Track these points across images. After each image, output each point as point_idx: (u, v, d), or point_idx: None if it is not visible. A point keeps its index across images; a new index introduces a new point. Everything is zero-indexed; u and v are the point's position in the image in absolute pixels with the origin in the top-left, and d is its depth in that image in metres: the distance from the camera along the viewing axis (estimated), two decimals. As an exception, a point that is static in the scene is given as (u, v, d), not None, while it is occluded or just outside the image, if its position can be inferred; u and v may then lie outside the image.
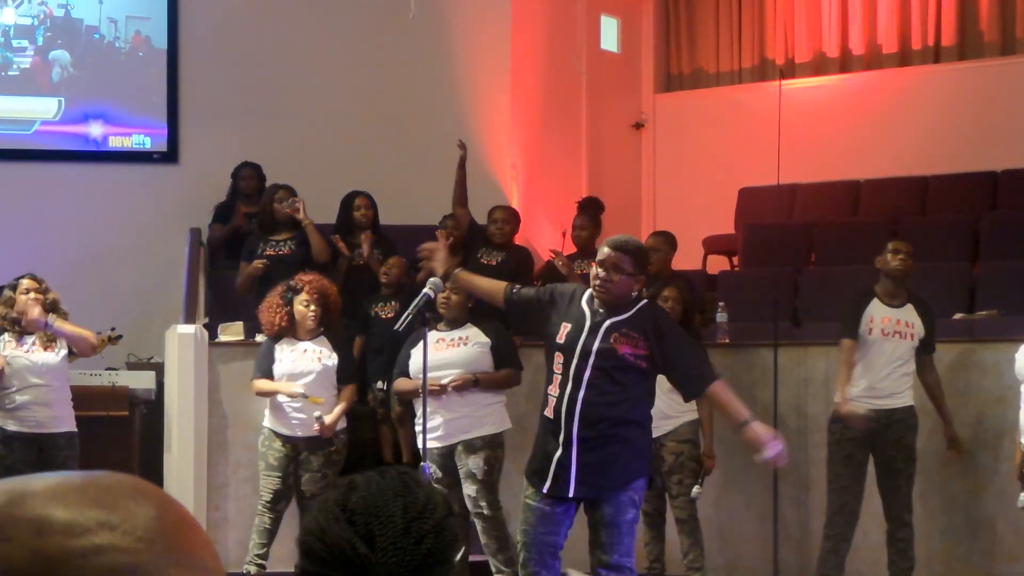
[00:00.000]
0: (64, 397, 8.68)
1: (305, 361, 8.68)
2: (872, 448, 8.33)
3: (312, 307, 8.64)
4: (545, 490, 6.42)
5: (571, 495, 6.40)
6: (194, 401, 9.44)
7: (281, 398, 8.63)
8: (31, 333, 8.62)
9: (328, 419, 8.64)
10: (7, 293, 8.71)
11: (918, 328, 8.37)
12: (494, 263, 9.96)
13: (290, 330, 8.71)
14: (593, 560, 6.51)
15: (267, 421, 8.71)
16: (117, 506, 1.18)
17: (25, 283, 8.66)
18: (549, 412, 6.48)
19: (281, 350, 8.71)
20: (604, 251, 6.43)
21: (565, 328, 6.46)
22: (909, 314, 8.40)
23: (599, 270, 6.38)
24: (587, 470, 6.37)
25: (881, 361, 8.39)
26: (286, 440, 8.63)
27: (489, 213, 10.32)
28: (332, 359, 8.75)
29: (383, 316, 9.80)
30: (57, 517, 1.16)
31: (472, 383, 8.47)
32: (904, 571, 8.33)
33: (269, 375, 8.71)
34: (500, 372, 8.63)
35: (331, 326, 8.87)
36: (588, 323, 6.41)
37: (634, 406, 6.43)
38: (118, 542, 1.16)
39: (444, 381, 8.42)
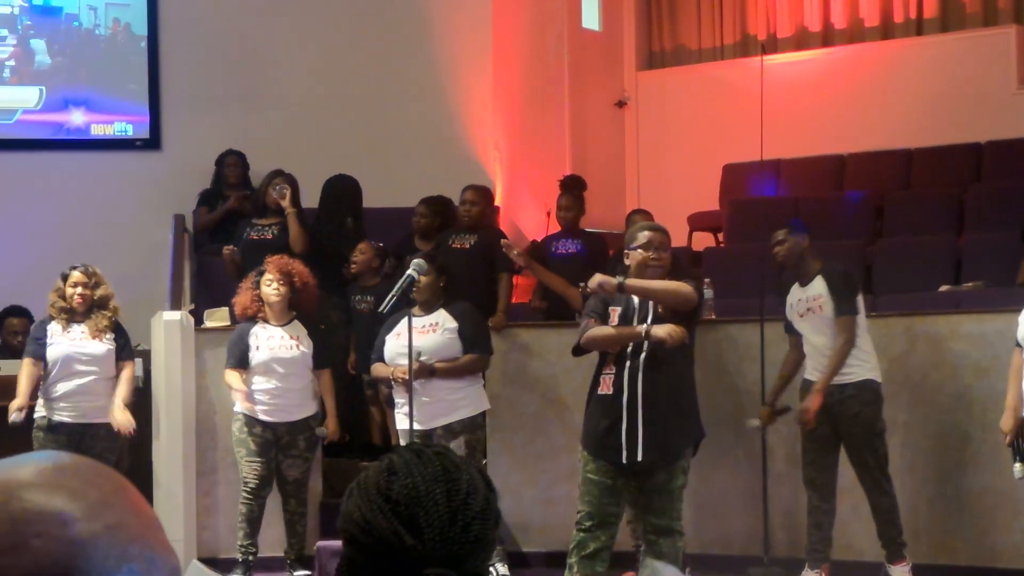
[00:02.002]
0: (111, 388, 8.68)
1: (284, 347, 8.65)
2: (834, 423, 8.33)
3: (275, 286, 8.60)
4: (624, 460, 6.89)
5: (640, 459, 6.87)
6: (181, 387, 9.42)
7: (258, 384, 8.58)
8: (79, 322, 8.61)
9: (332, 427, 8.74)
10: (57, 283, 8.71)
11: (825, 298, 8.35)
12: (466, 247, 9.75)
13: (263, 315, 8.68)
14: (645, 525, 7.08)
15: (242, 407, 8.68)
16: (97, 485, 1.22)
17: (76, 275, 8.66)
18: (606, 389, 6.98)
19: (256, 336, 8.67)
20: (648, 234, 7.06)
21: (615, 312, 7.00)
22: (816, 288, 8.39)
23: (651, 252, 6.97)
24: (653, 437, 6.86)
25: (809, 341, 8.42)
26: (266, 426, 8.61)
27: (460, 194, 10.21)
28: (309, 345, 8.72)
29: (359, 308, 9.81)
30: (66, 505, 1.18)
31: (429, 372, 8.41)
32: (893, 539, 8.33)
33: (244, 362, 8.67)
34: (464, 358, 8.52)
35: (302, 310, 8.84)
36: (637, 302, 6.96)
37: (683, 372, 7.02)
38: (121, 519, 1.20)
39: (398, 373, 8.36)
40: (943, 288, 9.88)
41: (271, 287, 8.61)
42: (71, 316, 8.67)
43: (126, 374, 8.74)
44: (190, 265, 10.81)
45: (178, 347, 9.44)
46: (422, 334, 8.40)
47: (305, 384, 8.70)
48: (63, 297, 8.65)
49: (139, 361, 9.98)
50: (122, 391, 8.65)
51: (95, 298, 8.64)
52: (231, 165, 11.43)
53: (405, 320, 8.45)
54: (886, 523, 8.33)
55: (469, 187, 10.10)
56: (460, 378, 8.49)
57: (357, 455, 9.98)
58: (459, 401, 8.51)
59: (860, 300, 8.37)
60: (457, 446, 8.53)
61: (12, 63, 12.25)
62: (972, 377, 8.73)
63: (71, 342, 8.60)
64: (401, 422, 8.41)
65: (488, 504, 2.05)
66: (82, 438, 8.50)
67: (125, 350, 8.80)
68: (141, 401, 9.83)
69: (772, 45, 13.88)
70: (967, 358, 8.74)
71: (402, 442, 8.45)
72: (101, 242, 11.65)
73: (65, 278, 8.70)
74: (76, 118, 12.21)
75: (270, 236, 10.00)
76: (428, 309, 8.56)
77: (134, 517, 1.21)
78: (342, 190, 10.50)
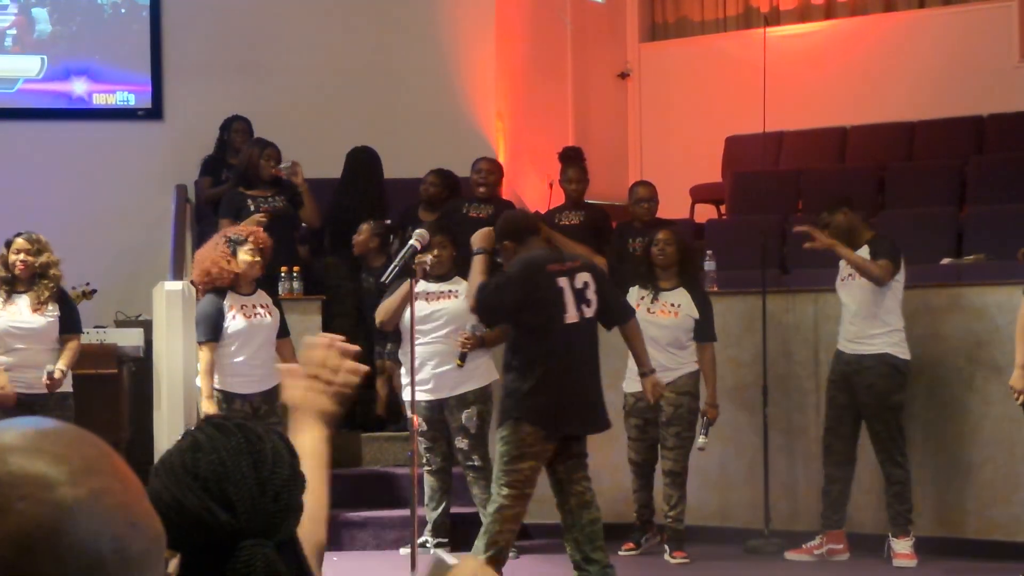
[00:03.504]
0: (54, 359, 8.62)
1: (257, 315, 8.58)
2: (852, 392, 8.39)
3: (259, 257, 8.55)
4: None
5: None
6: (183, 357, 9.41)
7: (236, 356, 8.47)
8: (22, 292, 8.57)
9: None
10: (1, 251, 8.65)
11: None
12: (483, 216, 9.80)
13: (236, 284, 8.59)
14: None
15: (216, 383, 8.51)
16: (81, 451, 1.23)
17: (19, 242, 8.59)
18: None
19: (229, 307, 8.53)
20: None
21: None
22: (861, 255, 8.41)
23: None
24: None
25: (844, 306, 8.49)
26: (245, 399, 8.52)
27: (473, 165, 10.24)
28: (276, 313, 8.68)
29: (365, 287, 9.82)
30: (50, 469, 1.19)
31: (479, 344, 8.49)
32: (900, 513, 8.36)
33: (218, 335, 8.48)
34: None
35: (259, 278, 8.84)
36: None
37: (511, 352, 7.22)
38: (105, 485, 1.21)
39: (457, 339, 8.48)
40: (944, 261, 9.88)
41: (254, 258, 8.51)
42: (13, 286, 8.59)
43: (71, 345, 8.59)
44: (192, 235, 10.79)
45: (180, 317, 9.43)
46: (442, 299, 8.63)
47: (273, 352, 8.64)
48: (5, 265, 8.59)
49: (140, 331, 10.00)
50: (64, 358, 8.53)
51: (37, 266, 8.56)
52: (238, 131, 11.34)
53: (418, 287, 8.52)
54: (896, 496, 8.37)
55: (483, 158, 10.27)
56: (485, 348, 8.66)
57: (360, 428, 9.99)
58: (475, 371, 8.63)
59: (901, 273, 8.37)
60: (469, 417, 8.60)
61: (14, 32, 12.21)
62: (973, 349, 8.74)
63: (9, 315, 8.53)
64: (409, 393, 8.45)
65: (293, 471, 2.06)
66: (31, 409, 8.37)
67: (69, 323, 8.64)
68: (142, 371, 9.84)
69: (775, 17, 13.85)
70: (968, 330, 8.74)
71: (406, 411, 8.50)
72: (103, 212, 11.65)
73: (9, 245, 8.64)
74: (78, 87, 12.19)
75: (281, 205, 9.96)
76: (442, 278, 8.67)
77: (118, 483, 1.22)
78: (372, 164, 10.46)
